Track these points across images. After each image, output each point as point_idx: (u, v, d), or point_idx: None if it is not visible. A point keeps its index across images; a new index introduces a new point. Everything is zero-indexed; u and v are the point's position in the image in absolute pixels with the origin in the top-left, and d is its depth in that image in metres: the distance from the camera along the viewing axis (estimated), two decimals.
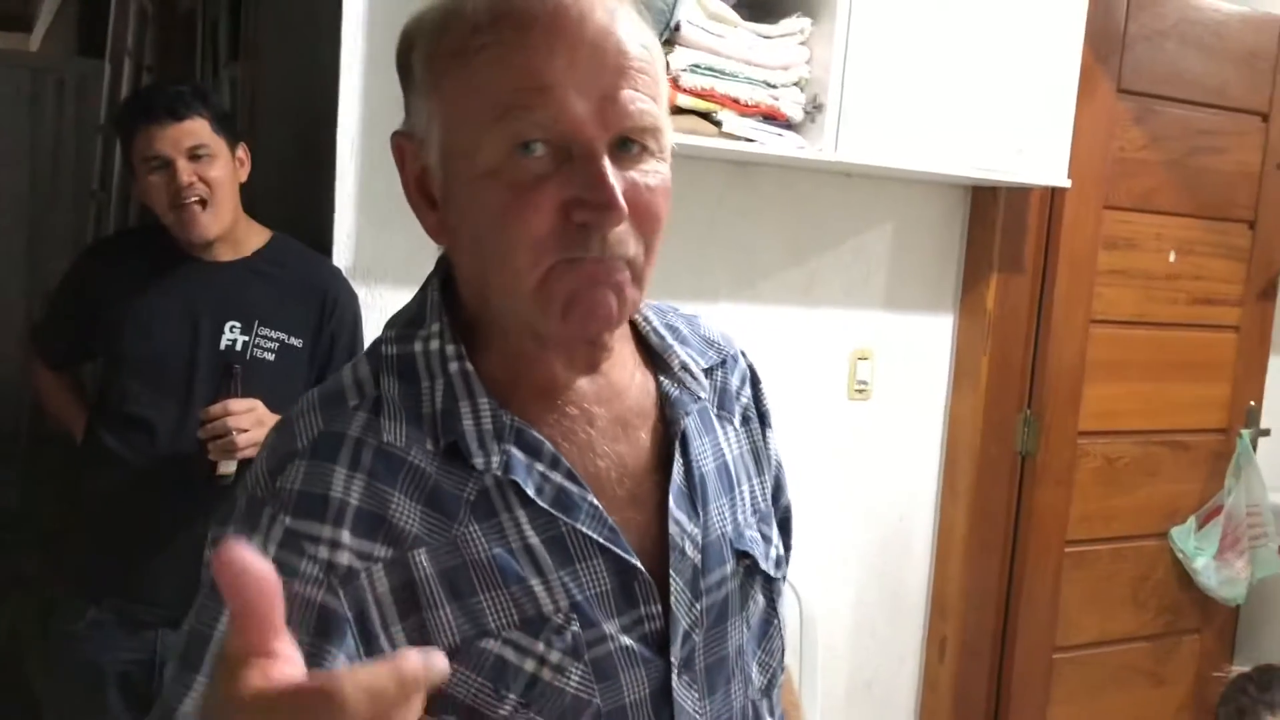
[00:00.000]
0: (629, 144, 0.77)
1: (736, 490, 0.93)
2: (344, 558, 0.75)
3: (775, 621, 0.95)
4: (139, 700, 1.87)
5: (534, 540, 0.80)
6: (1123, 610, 2.87)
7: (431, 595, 0.77)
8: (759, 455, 0.98)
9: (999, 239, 2.56)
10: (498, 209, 0.76)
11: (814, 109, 2.13)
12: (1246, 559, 2.87)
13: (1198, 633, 3.00)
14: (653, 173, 0.79)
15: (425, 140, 0.81)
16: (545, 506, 0.80)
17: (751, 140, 2.07)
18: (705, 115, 2.04)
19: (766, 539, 0.95)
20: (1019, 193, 2.55)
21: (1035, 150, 2.36)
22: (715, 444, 0.92)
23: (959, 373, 2.64)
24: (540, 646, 0.78)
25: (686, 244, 2.26)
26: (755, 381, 1.01)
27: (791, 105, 2.12)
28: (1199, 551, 2.88)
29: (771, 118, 2.11)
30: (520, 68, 0.75)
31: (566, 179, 0.75)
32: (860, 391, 2.55)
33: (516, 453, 0.80)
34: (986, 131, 2.29)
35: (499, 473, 0.79)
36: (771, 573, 0.94)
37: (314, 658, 0.72)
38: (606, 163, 0.75)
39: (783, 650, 0.97)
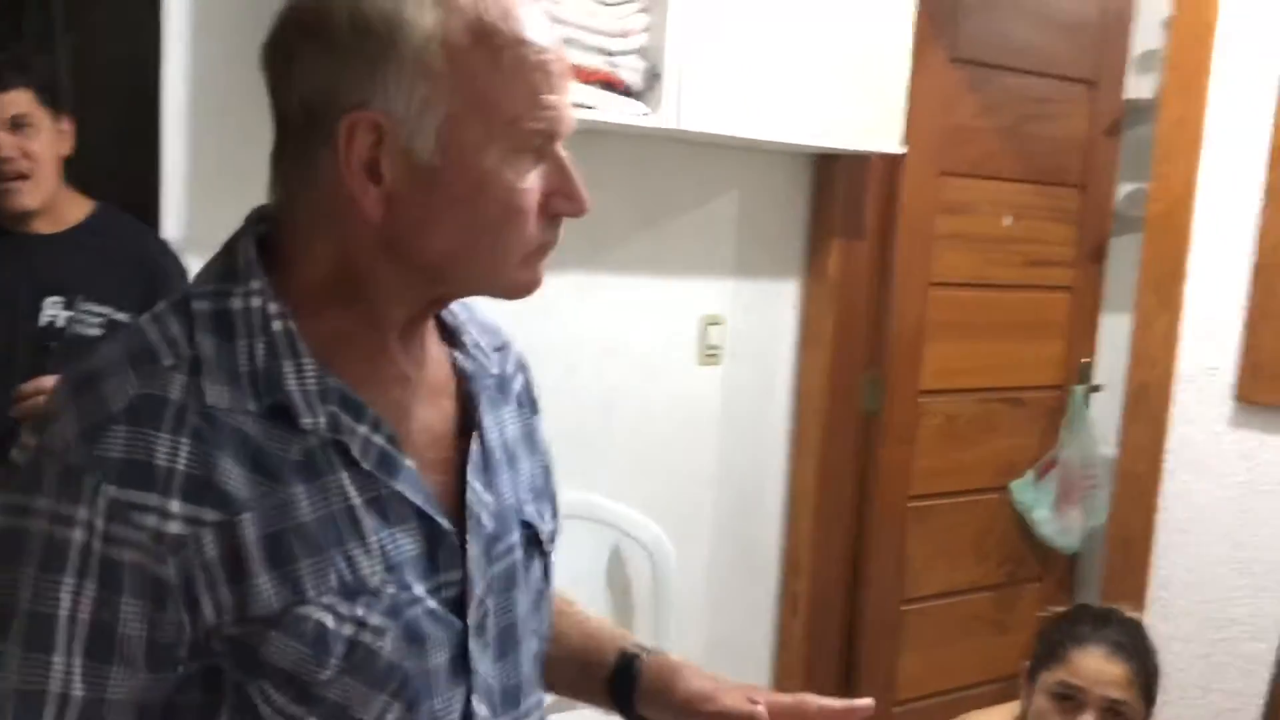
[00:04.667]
0: None
1: (517, 466, 0.96)
2: (173, 526, 0.74)
3: (547, 593, 0.99)
4: None
5: (357, 502, 0.80)
6: (967, 561, 3.00)
7: (253, 560, 0.76)
8: (533, 439, 1.01)
9: (841, 206, 2.62)
10: (502, 209, 0.81)
11: (653, 77, 2.15)
12: (1081, 509, 3.02)
13: (1038, 581, 3.15)
14: None
15: (407, 121, 0.78)
16: (368, 469, 0.81)
17: (591, 107, 2.08)
18: None
19: (542, 515, 0.98)
20: (859, 161, 2.61)
21: (870, 118, 2.42)
22: (499, 421, 0.95)
23: (806, 336, 2.70)
24: (359, 610, 0.79)
25: None
26: (526, 369, 1.05)
27: (631, 73, 2.13)
28: (1038, 503, 3.02)
29: (611, 85, 2.12)
30: (541, 74, 0.81)
31: (543, 175, 0.83)
32: (711, 356, 2.59)
33: (341, 414, 0.80)
34: (822, 100, 2.34)
35: (326, 434, 0.80)
36: (546, 546, 0.98)
37: (145, 622, 0.75)
38: None
39: (551, 622, 1.01)
